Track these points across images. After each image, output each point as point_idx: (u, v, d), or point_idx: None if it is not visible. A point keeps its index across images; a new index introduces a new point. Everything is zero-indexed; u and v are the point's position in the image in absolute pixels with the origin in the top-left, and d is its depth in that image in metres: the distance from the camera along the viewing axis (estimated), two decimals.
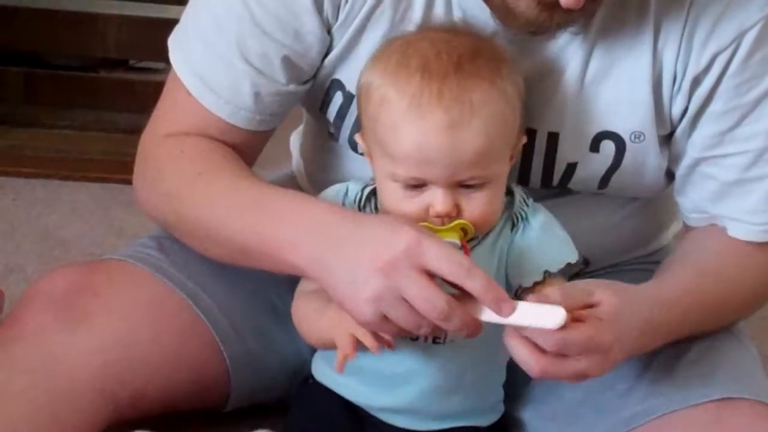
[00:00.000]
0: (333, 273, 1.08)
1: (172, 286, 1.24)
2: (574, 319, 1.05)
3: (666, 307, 1.16)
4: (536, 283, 1.14)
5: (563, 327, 1.03)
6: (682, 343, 1.21)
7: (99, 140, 2.38)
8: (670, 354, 1.21)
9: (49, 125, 2.46)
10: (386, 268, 1.04)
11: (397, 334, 1.08)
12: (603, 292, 1.09)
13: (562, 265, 1.15)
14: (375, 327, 1.07)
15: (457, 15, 1.19)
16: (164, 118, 1.27)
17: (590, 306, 1.08)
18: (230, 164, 1.22)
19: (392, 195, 1.13)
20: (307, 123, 1.44)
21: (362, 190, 1.18)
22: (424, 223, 1.10)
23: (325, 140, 1.33)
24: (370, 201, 1.18)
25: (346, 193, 1.19)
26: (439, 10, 1.19)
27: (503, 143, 1.12)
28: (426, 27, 1.17)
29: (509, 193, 1.18)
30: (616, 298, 1.09)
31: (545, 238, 1.16)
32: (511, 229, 1.17)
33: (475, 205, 1.11)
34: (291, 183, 1.45)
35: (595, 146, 1.22)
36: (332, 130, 1.28)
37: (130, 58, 2.60)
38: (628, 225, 1.35)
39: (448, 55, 1.10)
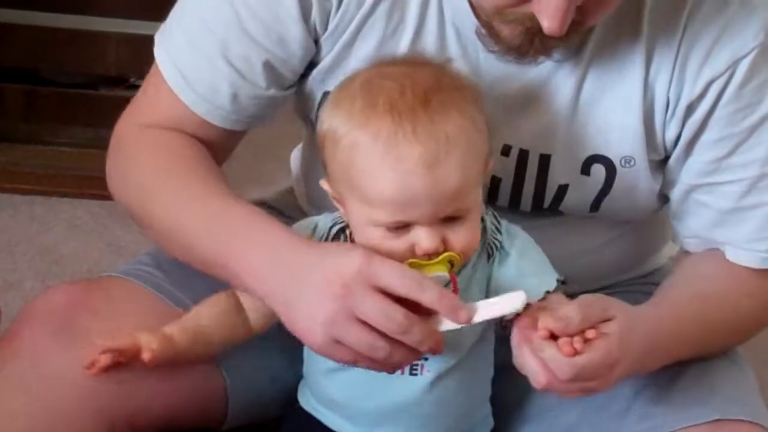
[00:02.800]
0: (287, 298, 1.08)
1: (170, 304, 1.24)
2: (585, 339, 1.05)
3: (665, 330, 1.16)
4: (517, 314, 1.13)
5: (581, 347, 1.04)
6: (678, 365, 1.21)
7: (98, 157, 2.34)
8: (666, 375, 1.21)
9: (49, 142, 2.47)
10: (339, 291, 1.04)
11: (352, 361, 1.07)
12: (615, 308, 1.09)
13: (541, 295, 1.13)
14: (328, 352, 1.07)
15: (449, 31, 1.19)
16: (144, 107, 1.28)
17: (607, 320, 1.08)
18: (203, 168, 1.22)
19: (372, 240, 1.10)
20: (306, 141, 1.44)
21: (330, 230, 1.17)
22: (412, 260, 1.09)
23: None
24: (338, 239, 1.16)
25: (314, 230, 1.17)
26: (431, 25, 1.19)
27: (477, 171, 1.11)
28: (379, 62, 1.15)
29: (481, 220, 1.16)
30: (625, 315, 1.09)
31: (523, 266, 1.14)
32: (488, 259, 1.15)
33: (460, 237, 1.10)
34: (290, 200, 1.45)
35: (586, 169, 1.22)
36: None
37: (130, 76, 2.60)
38: (620, 246, 1.35)
39: (413, 91, 1.08)
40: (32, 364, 1.16)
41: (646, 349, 1.13)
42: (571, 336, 1.05)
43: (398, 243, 1.09)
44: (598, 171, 1.22)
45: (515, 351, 1.08)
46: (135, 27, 2.43)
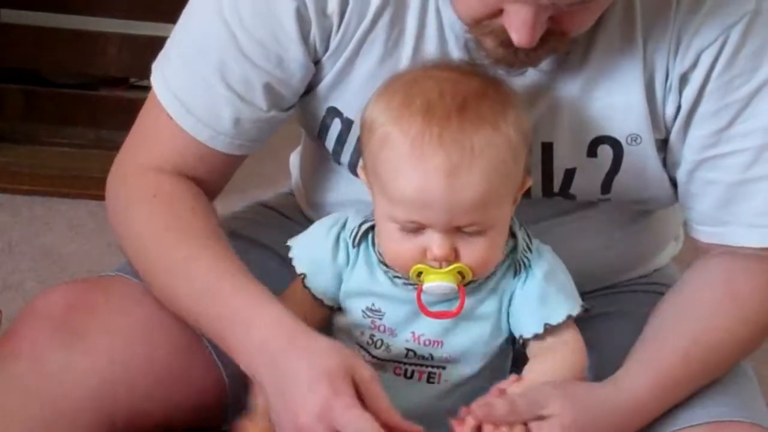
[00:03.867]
0: (268, 398, 1.10)
1: None
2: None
3: (640, 405, 1.15)
4: (536, 335, 1.14)
5: None
6: None
7: (99, 158, 2.37)
8: None
9: (49, 143, 2.47)
10: (302, 429, 1.05)
11: None
12: (554, 406, 1.10)
13: (562, 318, 1.14)
14: None
15: (449, 36, 1.18)
16: (143, 142, 1.26)
17: (540, 418, 1.09)
18: (199, 224, 1.20)
19: (390, 235, 1.12)
20: (305, 144, 1.43)
21: (360, 226, 1.17)
22: (421, 264, 1.10)
23: (324, 162, 1.33)
24: (366, 238, 1.17)
25: (344, 227, 1.18)
26: (431, 35, 1.18)
27: (504, 190, 1.11)
28: (434, 64, 1.15)
29: (512, 235, 1.16)
30: (568, 411, 1.10)
31: (548, 288, 1.15)
32: (514, 275, 1.16)
33: (474, 251, 1.10)
34: (290, 203, 1.45)
35: (592, 152, 1.21)
36: (332, 154, 1.27)
37: (130, 77, 2.61)
38: (623, 246, 1.34)
39: (452, 97, 1.09)
40: (31, 363, 1.16)
41: (618, 428, 1.13)
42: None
43: (411, 244, 1.10)
44: (605, 151, 1.21)
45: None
46: (135, 28, 2.43)
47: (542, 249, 1.17)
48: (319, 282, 1.17)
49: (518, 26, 1.05)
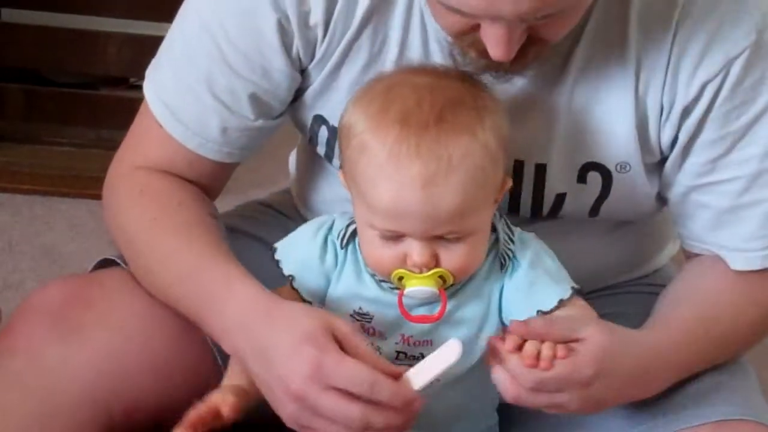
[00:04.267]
0: (254, 375, 1.10)
1: None
2: (555, 354, 1.07)
3: (663, 355, 1.16)
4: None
5: (547, 363, 1.06)
6: None
7: (99, 157, 2.36)
8: None
9: (50, 142, 2.47)
10: (297, 394, 1.05)
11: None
12: (589, 329, 1.10)
13: (554, 303, 1.14)
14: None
15: (432, 46, 1.18)
16: (134, 147, 1.27)
17: (574, 341, 1.09)
18: (185, 216, 1.22)
19: (370, 241, 1.12)
20: (301, 144, 1.44)
21: (347, 227, 1.17)
22: (401, 270, 1.10)
23: (318, 161, 1.33)
24: (354, 239, 1.17)
25: (331, 228, 1.18)
26: (414, 43, 1.18)
27: (482, 195, 1.10)
28: (411, 69, 1.15)
29: (493, 229, 1.16)
30: (602, 336, 1.10)
31: (536, 276, 1.15)
32: (501, 269, 1.16)
33: (455, 257, 1.10)
34: (288, 200, 1.45)
35: (582, 177, 1.22)
36: (324, 156, 1.28)
37: (130, 76, 2.61)
38: (620, 247, 1.35)
39: (430, 105, 1.08)
40: (28, 358, 1.16)
41: (637, 372, 1.13)
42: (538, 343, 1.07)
43: (391, 251, 1.10)
44: (595, 178, 1.22)
45: (491, 372, 1.09)
46: (136, 27, 2.43)
47: (525, 237, 1.17)
48: (308, 284, 1.17)
49: (494, 42, 1.05)
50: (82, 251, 1.99)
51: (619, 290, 1.36)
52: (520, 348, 1.08)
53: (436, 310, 1.12)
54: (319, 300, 1.18)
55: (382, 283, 1.15)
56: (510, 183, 1.16)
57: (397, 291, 1.13)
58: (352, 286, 1.16)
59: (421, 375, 1.07)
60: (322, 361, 1.05)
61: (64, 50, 2.44)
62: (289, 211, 1.42)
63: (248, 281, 1.14)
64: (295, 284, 1.17)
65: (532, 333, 1.08)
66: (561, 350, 1.07)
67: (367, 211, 1.10)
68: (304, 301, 1.16)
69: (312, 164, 1.37)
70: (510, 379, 1.07)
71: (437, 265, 1.10)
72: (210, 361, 1.24)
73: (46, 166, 2.34)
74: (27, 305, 1.22)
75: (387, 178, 1.07)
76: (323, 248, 1.17)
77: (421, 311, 1.14)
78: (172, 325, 1.22)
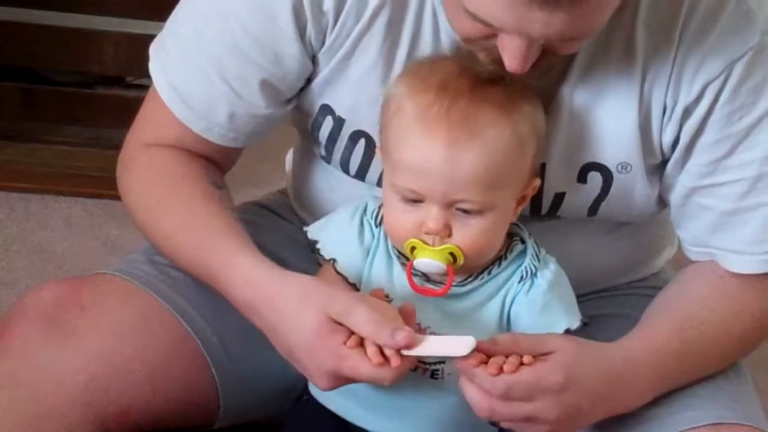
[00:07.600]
0: (276, 342, 1.14)
1: (161, 302, 1.24)
2: (522, 363, 1.08)
3: (636, 362, 1.16)
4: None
5: (512, 367, 1.07)
6: None
7: (95, 156, 2.38)
8: None
9: (46, 141, 2.47)
10: (327, 386, 1.10)
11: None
12: (557, 341, 1.12)
13: (561, 331, 1.16)
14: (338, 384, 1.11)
15: (444, 42, 1.18)
16: (144, 124, 1.29)
17: (543, 354, 1.10)
18: (187, 191, 1.23)
19: (391, 205, 1.14)
20: (298, 144, 1.44)
21: (380, 207, 1.19)
22: (414, 239, 1.12)
23: (315, 162, 1.34)
24: None
25: (365, 210, 1.20)
26: (426, 40, 1.19)
27: (505, 174, 1.12)
28: (469, 55, 1.15)
29: (522, 241, 1.18)
30: (569, 344, 1.12)
31: (551, 300, 1.17)
32: (520, 280, 1.17)
33: (468, 231, 1.12)
34: (284, 200, 1.45)
35: (582, 177, 1.22)
36: (324, 153, 1.28)
37: (127, 76, 2.60)
38: (617, 250, 1.34)
39: (469, 80, 1.11)
40: (21, 359, 1.16)
41: (611, 378, 1.14)
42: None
43: (409, 216, 1.12)
44: (595, 178, 1.22)
45: (460, 385, 1.10)
46: (133, 26, 2.43)
47: (548, 259, 1.19)
48: (350, 266, 1.19)
49: (511, 54, 1.06)
50: (77, 250, 1.99)
51: (618, 292, 1.37)
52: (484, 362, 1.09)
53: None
54: (359, 280, 1.19)
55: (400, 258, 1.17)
56: (537, 184, 1.18)
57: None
58: (384, 275, 1.18)
59: (424, 346, 1.07)
60: (339, 365, 1.07)
61: (61, 49, 2.44)
62: (284, 212, 1.42)
63: (245, 263, 1.16)
64: (339, 269, 1.19)
65: (500, 349, 1.09)
66: (527, 358, 1.09)
67: (392, 171, 1.13)
68: (349, 284, 1.18)
69: (309, 165, 1.36)
70: (480, 392, 1.08)
71: (449, 235, 1.11)
72: (203, 366, 1.24)
73: (42, 165, 2.34)
74: (20, 306, 1.22)
75: (414, 136, 1.11)
76: (360, 230, 1.19)
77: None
78: (166, 330, 1.22)
